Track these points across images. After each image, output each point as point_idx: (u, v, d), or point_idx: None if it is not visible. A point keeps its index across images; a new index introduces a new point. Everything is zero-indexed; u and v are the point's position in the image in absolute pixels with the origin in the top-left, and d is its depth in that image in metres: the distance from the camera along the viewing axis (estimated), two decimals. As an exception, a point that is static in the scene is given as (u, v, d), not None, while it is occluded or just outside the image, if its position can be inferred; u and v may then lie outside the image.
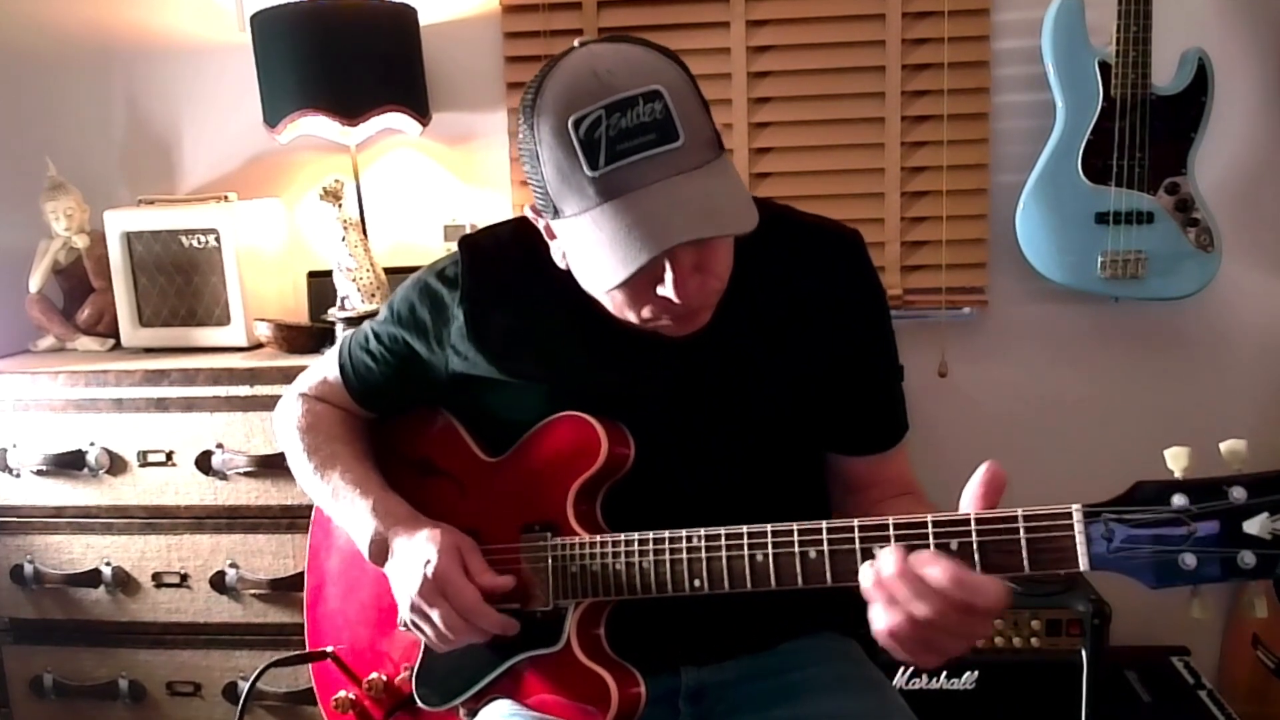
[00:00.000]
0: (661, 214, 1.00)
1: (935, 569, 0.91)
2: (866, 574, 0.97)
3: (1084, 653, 2.02)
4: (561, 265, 1.15)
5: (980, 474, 0.97)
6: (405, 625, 1.23)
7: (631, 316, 1.12)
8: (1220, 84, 2.15)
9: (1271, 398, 2.39)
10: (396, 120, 2.33)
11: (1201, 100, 2.15)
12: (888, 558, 0.95)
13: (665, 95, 1.01)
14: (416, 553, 1.20)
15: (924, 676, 2.09)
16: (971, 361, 2.43)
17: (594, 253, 1.04)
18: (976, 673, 2.07)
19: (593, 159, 1.00)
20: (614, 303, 1.12)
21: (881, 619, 0.95)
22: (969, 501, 0.97)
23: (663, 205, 1.00)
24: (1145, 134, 2.14)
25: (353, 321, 2.18)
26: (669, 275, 1.04)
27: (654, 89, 1.01)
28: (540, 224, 1.14)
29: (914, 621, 0.93)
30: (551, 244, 1.16)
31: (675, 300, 1.06)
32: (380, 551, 1.25)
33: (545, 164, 1.04)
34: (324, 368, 1.44)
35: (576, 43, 1.08)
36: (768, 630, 1.29)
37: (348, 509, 1.30)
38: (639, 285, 1.05)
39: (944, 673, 2.08)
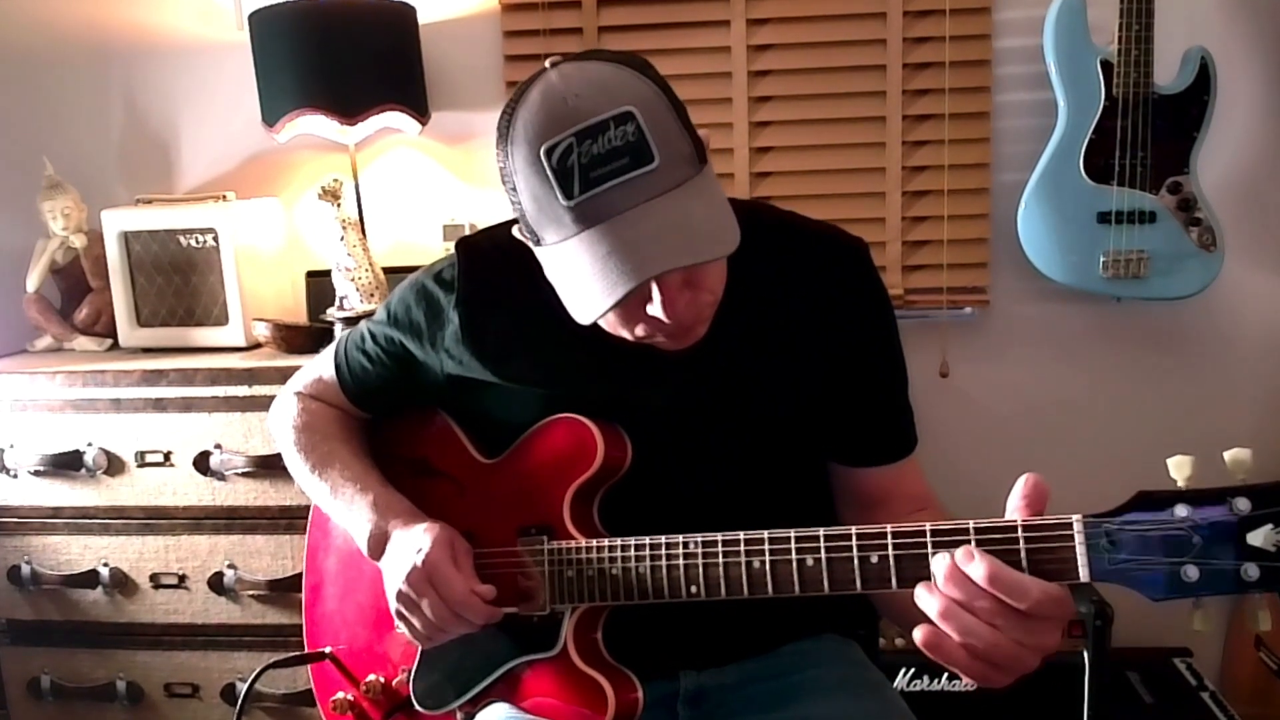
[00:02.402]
0: (639, 242, 0.99)
1: (975, 566, 0.89)
2: (920, 590, 0.93)
3: (1086, 654, 2.02)
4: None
5: (1021, 487, 0.93)
6: (395, 617, 1.22)
7: (626, 335, 1.11)
8: (1223, 83, 2.14)
9: (1274, 398, 2.38)
10: (395, 119, 2.32)
11: (1204, 99, 2.14)
12: (939, 564, 0.92)
13: (637, 116, 0.99)
14: (410, 543, 1.19)
15: (925, 678, 2.08)
16: (973, 361, 2.43)
17: (577, 281, 1.04)
18: (977, 675, 2.06)
19: (567, 188, 0.99)
20: (607, 323, 1.10)
21: (928, 628, 0.91)
22: (1011, 514, 0.94)
23: (639, 233, 0.99)
24: (1147, 133, 2.13)
25: (351, 321, 2.17)
26: (657, 296, 1.03)
27: (625, 110, 0.99)
28: (529, 243, 1.13)
29: (963, 629, 0.90)
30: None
31: (665, 320, 1.05)
32: (379, 546, 1.24)
33: (522, 193, 1.03)
34: (319, 367, 1.44)
35: (547, 64, 1.06)
36: (767, 633, 1.29)
37: (347, 506, 1.30)
38: (630, 306, 1.04)
39: (944, 674, 2.08)
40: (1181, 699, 2.16)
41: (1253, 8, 2.25)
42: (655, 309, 1.04)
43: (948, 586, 0.91)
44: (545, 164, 0.99)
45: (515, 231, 1.15)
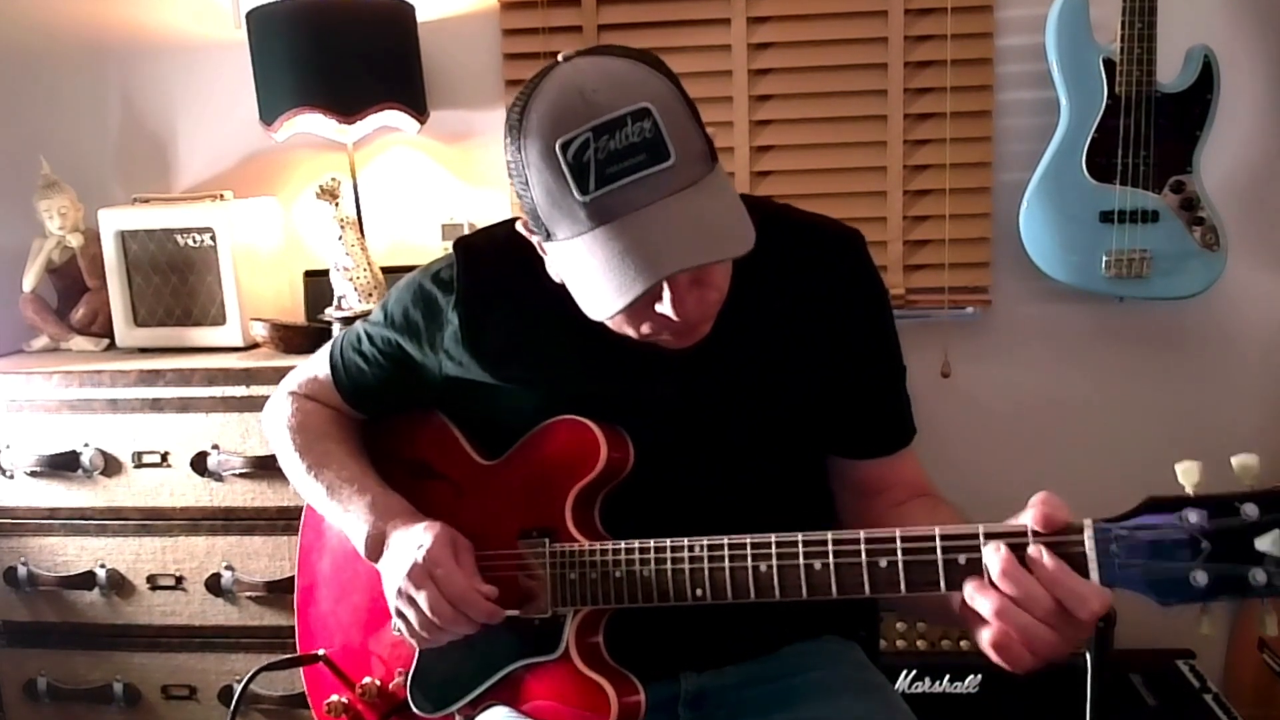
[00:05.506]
0: (656, 240, 0.98)
1: (1047, 563, 0.89)
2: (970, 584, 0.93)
3: (1088, 656, 2.01)
4: (556, 279, 1.14)
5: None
6: (394, 614, 1.21)
7: (630, 333, 1.11)
8: (1226, 81, 2.13)
9: (1277, 398, 2.37)
10: (394, 118, 2.31)
11: (1207, 98, 2.13)
12: (993, 556, 0.91)
13: (654, 112, 0.98)
14: (410, 540, 1.18)
15: (926, 679, 2.08)
16: (975, 361, 2.42)
17: (589, 279, 1.03)
18: (980, 676, 2.06)
19: (582, 183, 0.98)
20: (612, 322, 1.10)
21: (998, 629, 0.91)
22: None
23: (656, 230, 0.99)
24: (1150, 132, 2.12)
25: (349, 321, 2.15)
26: (666, 294, 1.03)
27: (642, 107, 0.98)
28: (534, 240, 1.12)
29: (1021, 629, 0.90)
30: (545, 258, 1.14)
31: (674, 318, 1.04)
32: (377, 547, 1.23)
33: (534, 187, 1.02)
34: (314, 366, 1.42)
35: (560, 57, 1.05)
36: (768, 634, 1.28)
37: (344, 506, 1.28)
38: (637, 305, 1.03)
39: (946, 676, 2.07)
40: (1184, 701, 2.15)
41: (1256, 6, 2.24)
42: (664, 307, 1.03)
43: (1003, 582, 0.90)
44: (561, 158, 0.98)
45: (520, 227, 1.14)
